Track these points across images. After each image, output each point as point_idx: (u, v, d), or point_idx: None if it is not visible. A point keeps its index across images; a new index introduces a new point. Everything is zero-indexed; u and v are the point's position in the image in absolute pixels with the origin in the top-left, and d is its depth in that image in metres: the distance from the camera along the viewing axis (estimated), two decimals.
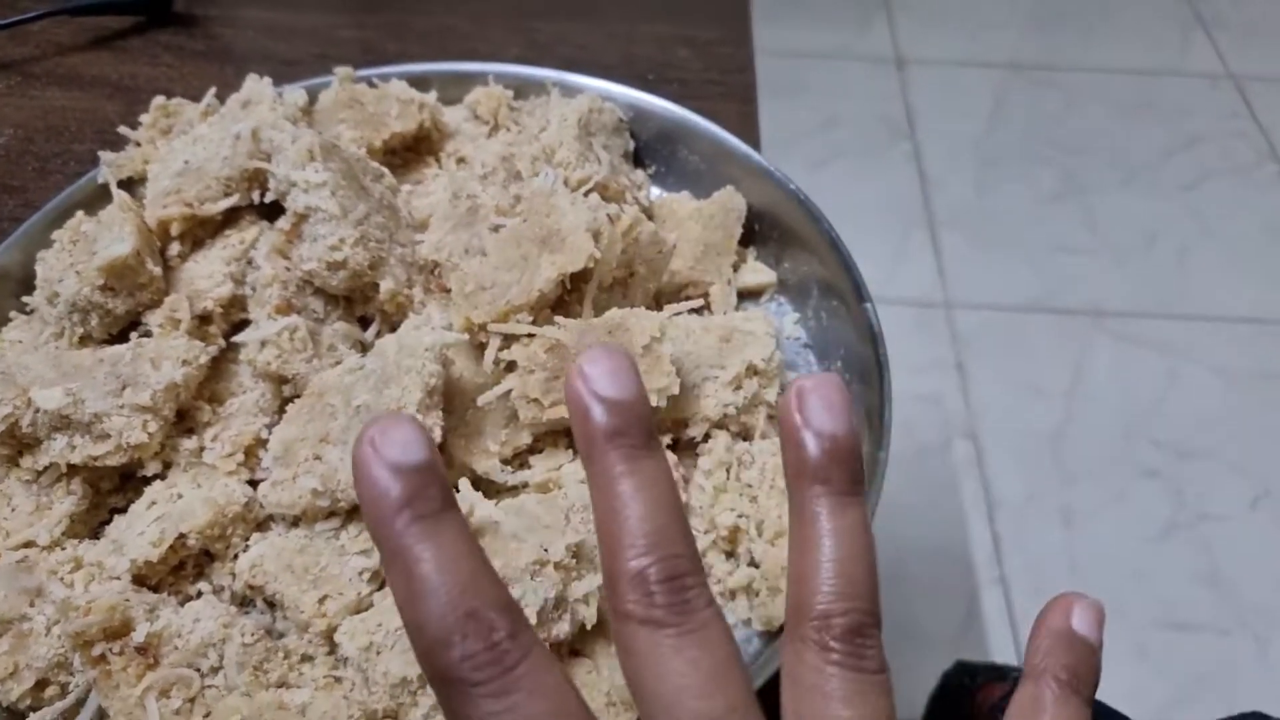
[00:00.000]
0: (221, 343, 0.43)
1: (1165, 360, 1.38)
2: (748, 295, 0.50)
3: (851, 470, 0.24)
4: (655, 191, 0.54)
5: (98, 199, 0.47)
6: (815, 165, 1.64)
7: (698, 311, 0.47)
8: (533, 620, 0.33)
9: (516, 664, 0.20)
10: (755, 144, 0.57)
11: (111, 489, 0.40)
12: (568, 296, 0.42)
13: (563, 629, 0.34)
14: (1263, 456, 1.28)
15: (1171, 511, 1.24)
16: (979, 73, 1.80)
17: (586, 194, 0.44)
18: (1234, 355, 1.38)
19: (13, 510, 0.38)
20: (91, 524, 0.40)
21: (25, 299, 0.45)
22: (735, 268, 0.50)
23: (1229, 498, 1.24)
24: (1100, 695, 0.25)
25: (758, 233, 0.51)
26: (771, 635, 0.38)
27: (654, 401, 0.39)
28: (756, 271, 0.50)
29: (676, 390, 0.39)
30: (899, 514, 1.21)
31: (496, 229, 0.43)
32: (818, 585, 0.22)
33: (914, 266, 1.51)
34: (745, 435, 0.43)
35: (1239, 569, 1.18)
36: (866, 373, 0.43)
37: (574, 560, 0.34)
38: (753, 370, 0.43)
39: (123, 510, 0.40)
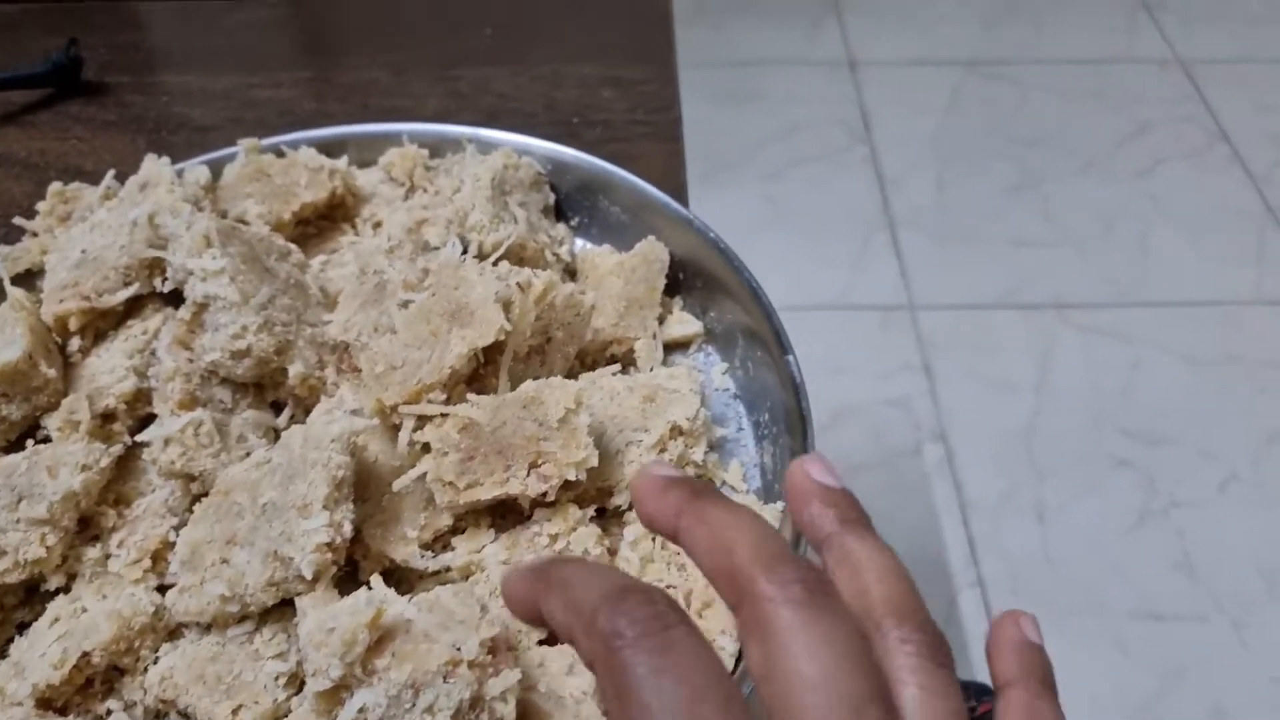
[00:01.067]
0: (127, 440, 0.41)
1: (1130, 349, 1.38)
2: (675, 347, 0.49)
3: (866, 516, 0.26)
4: (580, 243, 0.53)
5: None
6: (774, 174, 1.64)
7: (625, 369, 0.46)
8: None
9: (676, 624, 0.21)
10: (681, 184, 0.57)
11: (16, 604, 0.39)
12: (483, 370, 0.41)
13: None
14: (1229, 439, 1.28)
15: (1144, 500, 1.24)
16: (932, 70, 1.80)
17: (497, 261, 0.43)
18: (1197, 339, 1.39)
19: None
20: None
21: None
22: (661, 320, 0.49)
23: (1199, 483, 1.25)
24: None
25: (683, 282, 0.50)
26: None
27: (571, 475, 0.38)
28: (683, 323, 0.49)
29: (595, 463, 0.38)
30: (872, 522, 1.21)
31: (405, 305, 0.42)
32: (881, 596, 0.23)
33: (876, 270, 1.51)
34: None
35: (1212, 554, 1.19)
36: (791, 425, 0.42)
37: (490, 656, 0.33)
38: (677, 431, 0.42)
39: (29, 624, 0.38)
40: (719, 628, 0.37)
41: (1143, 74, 1.74)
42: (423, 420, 0.39)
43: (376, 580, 0.36)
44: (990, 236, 1.54)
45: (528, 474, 0.38)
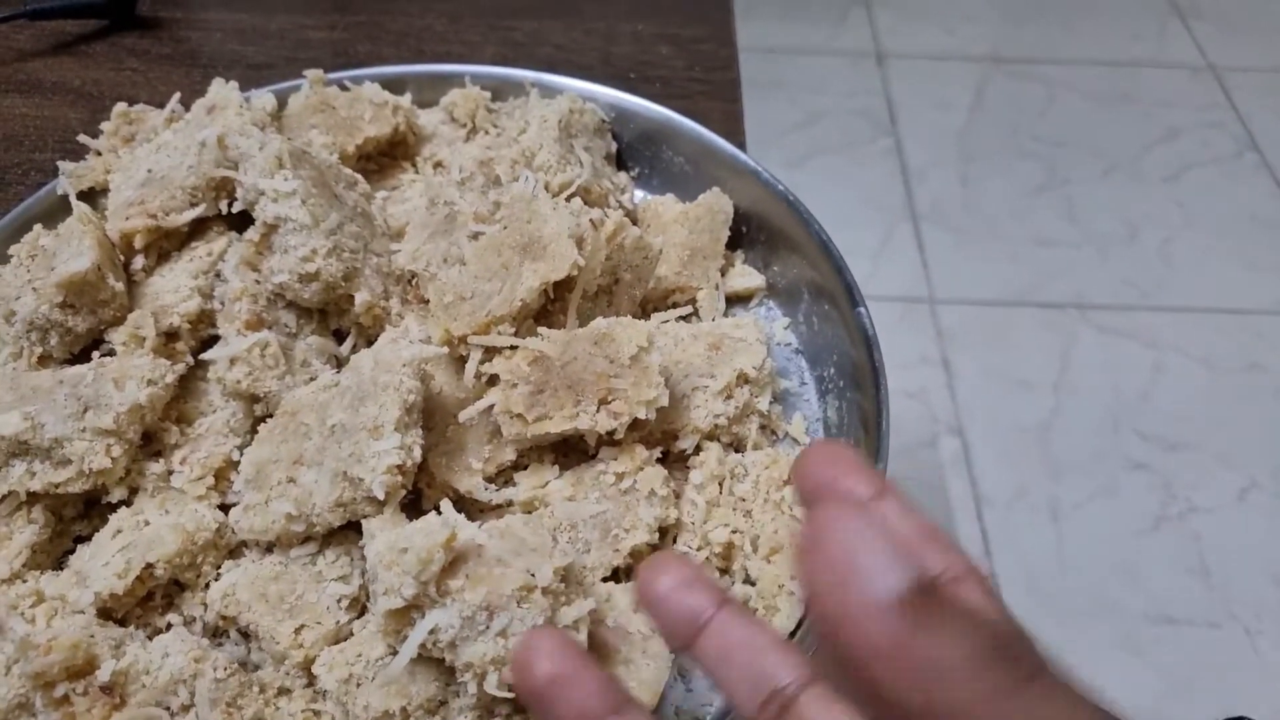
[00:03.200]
0: (189, 360, 0.41)
1: (1150, 352, 1.38)
2: (736, 300, 0.48)
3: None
4: (639, 194, 0.52)
5: (57, 211, 0.45)
6: (796, 161, 1.63)
7: (685, 318, 0.46)
8: None
9: None
10: (741, 143, 0.56)
11: (75, 516, 0.38)
12: (551, 306, 0.41)
13: None
14: (1249, 447, 1.28)
15: (1160, 504, 1.23)
16: (959, 66, 1.80)
17: (569, 199, 0.42)
18: (1219, 346, 1.38)
19: None
20: (54, 554, 0.38)
21: None
22: (723, 272, 0.48)
23: (1217, 489, 1.24)
24: (1093, 688, 0.24)
25: (745, 235, 0.49)
26: None
27: (642, 414, 0.37)
28: (745, 276, 0.48)
29: (666, 402, 0.38)
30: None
31: (475, 237, 0.41)
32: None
33: (897, 262, 1.50)
34: (737, 446, 0.41)
35: (1228, 561, 1.18)
36: (860, 379, 0.42)
37: (562, 584, 0.33)
38: (744, 378, 0.41)
39: (87, 539, 0.38)
40: (789, 573, 0.37)
41: (1173, 79, 1.74)
42: (490, 353, 0.39)
43: (446, 505, 0.35)
44: (1013, 234, 1.53)
45: (597, 410, 0.38)
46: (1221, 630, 1.13)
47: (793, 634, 0.35)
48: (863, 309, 0.42)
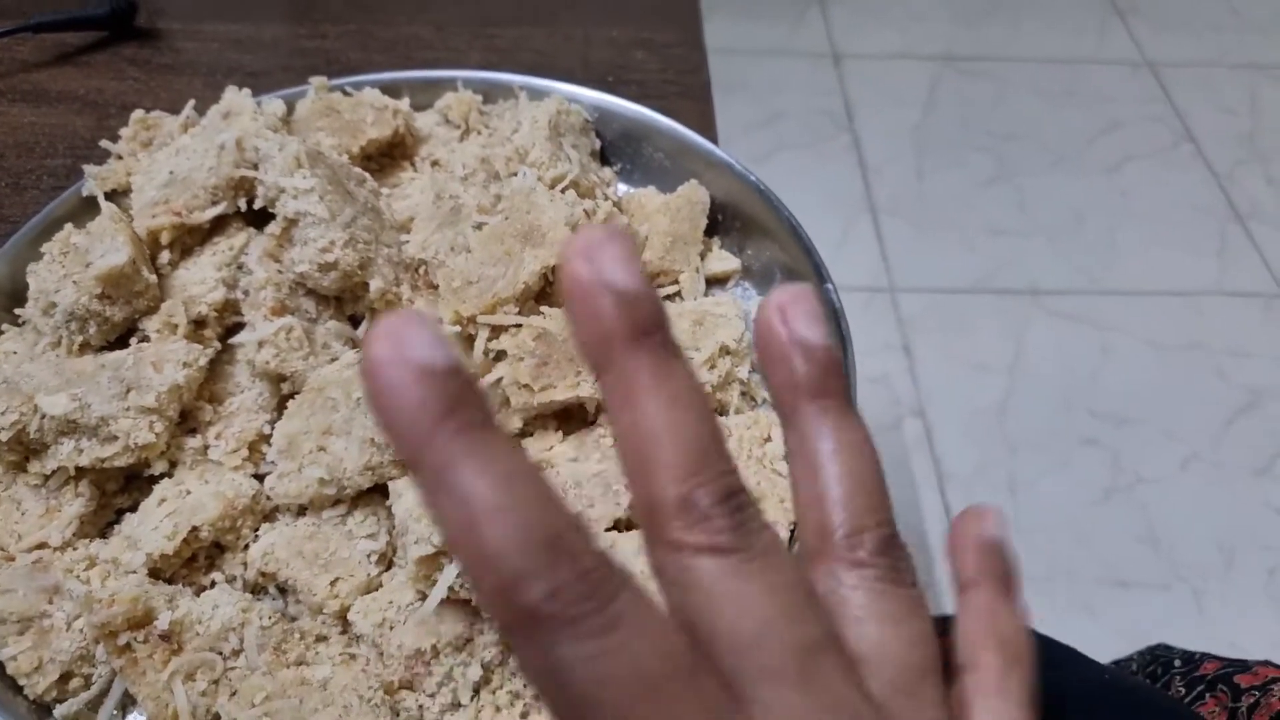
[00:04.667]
0: (217, 345, 0.44)
1: (1100, 334, 1.45)
2: (714, 282, 0.53)
3: (844, 383, 0.21)
4: (622, 188, 0.56)
5: (81, 212, 0.48)
6: (760, 158, 1.68)
7: (670, 298, 0.50)
8: None
9: (615, 594, 0.16)
10: (713, 140, 0.60)
11: (117, 490, 0.41)
12: (549, 288, 0.45)
13: None
14: (1191, 421, 1.35)
15: (1110, 476, 1.30)
16: (913, 65, 1.86)
17: (563, 191, 0.46)
18: (1162, 326, 1.46)
19: (22, 514, 0.40)
20: (99, 524, 0.41)
21: (17, 311, 0.46)
22: (702, 256, 0.52)
23: (1162, 461, 1.31)
24: None
25: (721, 223, 0.54)
26: None
27: None
28: (722, 259, 0.53)
29: None
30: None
31: (479, 227, 0.45)
32: (838, 503, 0.20)
33: (859, 253, 1.56)
34: (721, 411, 0.46)
35: (1174, 528, 1.25)
36: None
37: None
38: (725, 350, 0.46)
39: (128, 510, 0.41)
40: (771, 518, 0.41)
41: (1113, 75, 1.82)
42: (497, 331, 0.43)
43: None
44: (967, 225, 1.60)
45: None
46: (1171, 591, 1.20)
47: None
48: (830, 285, 0.47)
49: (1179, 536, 1.25)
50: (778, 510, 0.41)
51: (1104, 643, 1.16)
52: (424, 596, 0.37)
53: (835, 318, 0.46)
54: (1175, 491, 1.29)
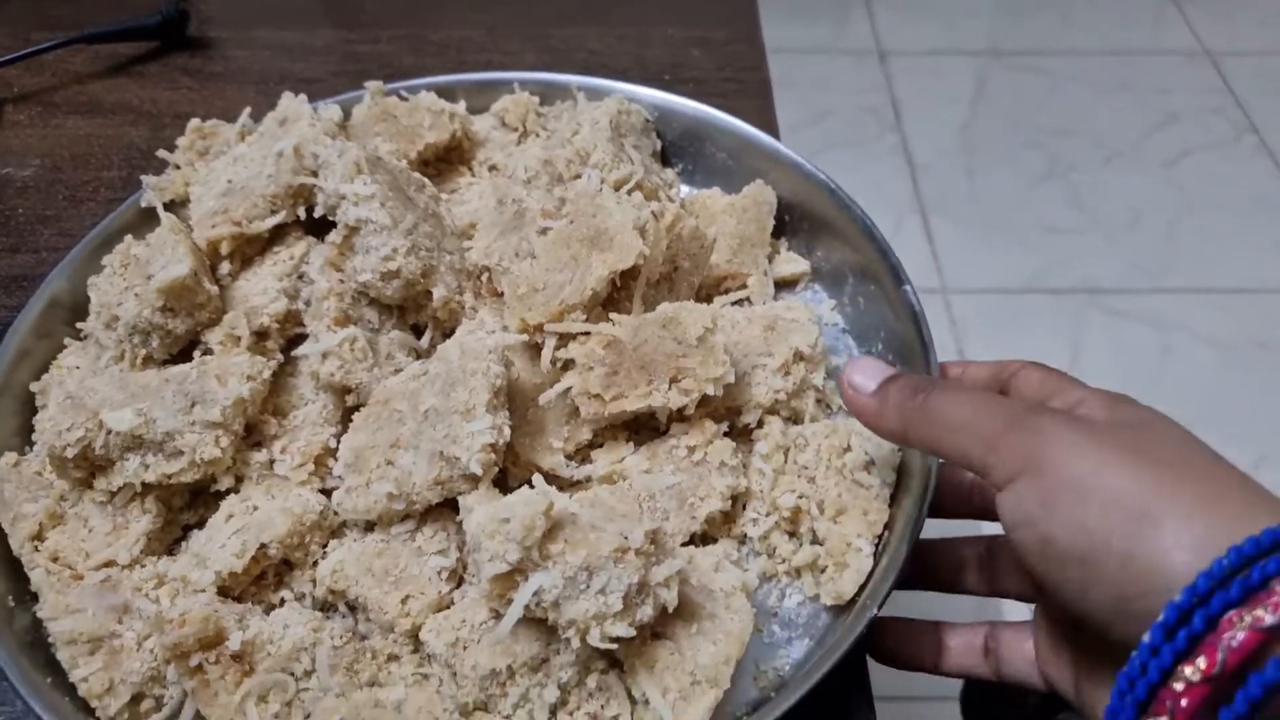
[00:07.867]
0: (280, 357, 0.43)
1: (1160, 334, 1.40)
2: (783, 285, 0.51)
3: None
4: (684, 189, 0.55)
5: (139, 223, 0.48)
6: (807, 158, 1.66)
7: (738, 303, 0.48)
8: (618, 606, 0.33)
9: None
10: (776, 138, 0.59)
11: (183, 506, 0.41)
12: (617, 294, 0.43)
13: (645, 612, 0.35)
14: (1260, 423, 1.30)
15: None
16: (960, 60, 1.83)
17: (629, 193, 0.45)
18: (1226, 326, 1.41)
19: (90, 531, 0.39)
20: (166, 541, 0.40)
21: (79, 325, 0.45)
22: (770, 259, 0.51)
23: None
24: None
25: (788, 224, 0.52)
26: (840, 609, 0.39)
27: (710, 390, 0.40)
28: (791, 262, 0.51)
29: (732, 378, 0.40)
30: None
31: (544, 231, 0.44)
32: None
33: (908, 255, 1.51)
34: (796, 419, 0.44)
35: None
36: (907, 353, 0.44)
37: (653, 546, 0.35)
38: (799, 356, 0.44)
39: (195, 526, 0.40)
40: (855, 532, 0.39)
41: (1170, 65, 1.77)
42: (564, 339, 0.41)
43: (538, 479, 0.38)
44: (1019, 223, 1.56)
45: (669, 388, 0.40)
46: None
47: (862, 587, 0.38)
48: (909, 286, 0.45)
49: None
50: (860, 523, 0.40)
51: None
52: (498, 615, 0.36)
53: (915, 320, 0.44)
54: None
